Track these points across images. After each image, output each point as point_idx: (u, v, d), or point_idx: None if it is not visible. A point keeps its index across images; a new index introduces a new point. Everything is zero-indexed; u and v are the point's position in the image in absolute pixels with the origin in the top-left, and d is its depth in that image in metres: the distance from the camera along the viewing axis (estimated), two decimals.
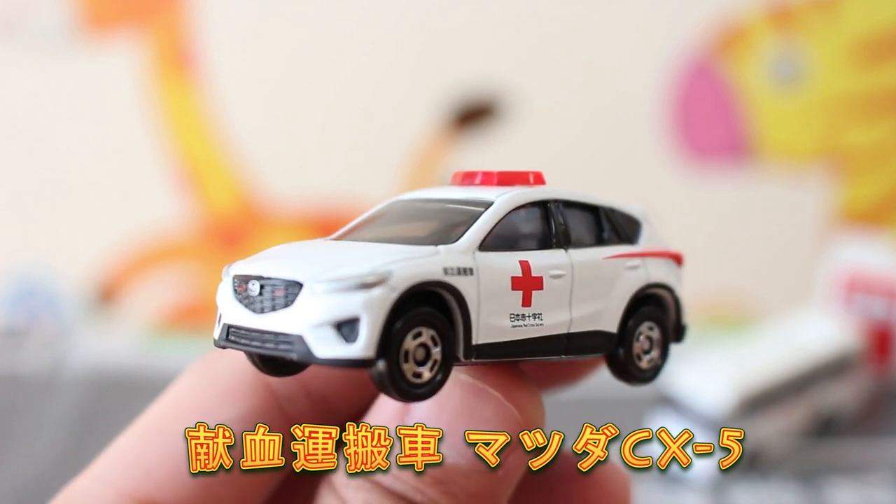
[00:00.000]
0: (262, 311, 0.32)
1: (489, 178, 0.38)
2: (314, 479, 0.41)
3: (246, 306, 0.32)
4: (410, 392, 0.31)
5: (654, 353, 0.40)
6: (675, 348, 0.41)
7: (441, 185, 0.40)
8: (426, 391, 0.32)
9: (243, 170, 1.20)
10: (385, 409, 0.35)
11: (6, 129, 1.20)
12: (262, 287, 0.32)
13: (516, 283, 0.34)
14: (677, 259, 0.42)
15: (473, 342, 0.33)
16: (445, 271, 0.32)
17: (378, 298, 0.30)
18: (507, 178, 0.38)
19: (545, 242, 0.37)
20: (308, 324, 0.31)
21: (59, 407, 1.00)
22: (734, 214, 1.22)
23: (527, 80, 1.17)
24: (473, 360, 0.33)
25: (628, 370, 0.39)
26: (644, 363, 0.39)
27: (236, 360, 0.37)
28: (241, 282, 0.33)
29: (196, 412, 0.36)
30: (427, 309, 0.32)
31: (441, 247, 0.33)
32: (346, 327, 0.30)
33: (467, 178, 0.39)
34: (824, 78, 1.17)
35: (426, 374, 0.32)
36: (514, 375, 0.35)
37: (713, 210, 1.21)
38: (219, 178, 1.21)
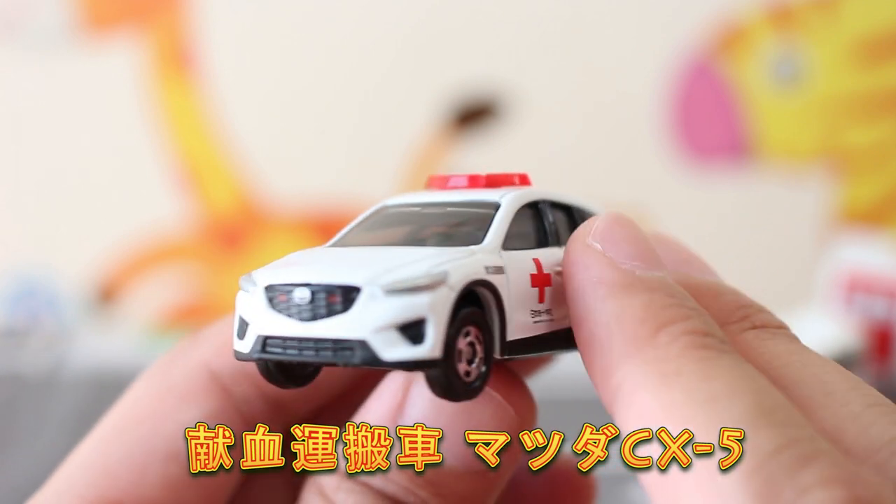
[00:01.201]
0: (311, 318, 0.31)
1: (476, 181, 0.38)
2: (281, 480, 0.41)
3: (289, 315, 0.31)
4: (465, 391, 0.31)
5: None
6: None
7: (419, 191, 0.39)
8: (476, 389, 0.32)
9: (243, 170, 1.20)
10: (377, 409, 0.34)
11: (6, 129, 1.20)
12: (312, 294, 0.31)
13: (534, 280, 0.34)
14: None
15: (507, 339, 0.33)
16: (486, 270, 0.32)
17: (442, 299, 0.30)
18: (495, 181, 0.38)
19: (541, 241, 0.37)
20: (371, 328, 0.30)
21: (60, 407, 1.00)
22: (734, 214, 1.22)
23: (527, 80, 1.17)
24: (506, 356, 0.33)
25: None
26: None
27: (191, 364, 0.37)
28: (281, 291, 0.32)
29: (155, 416, 0.36)
30: (474, 308, 0.32)
31: (474, 247, 0.34)
32: (412, 329, 0.30)
33: (454, 181, 0.38)
34: (824, 78, 1.17)
35: (474, 372, 0.32)
36: (510, 375, 0.35)
37: (713, 210, 1.21)
38: (219, 178, 1.21)
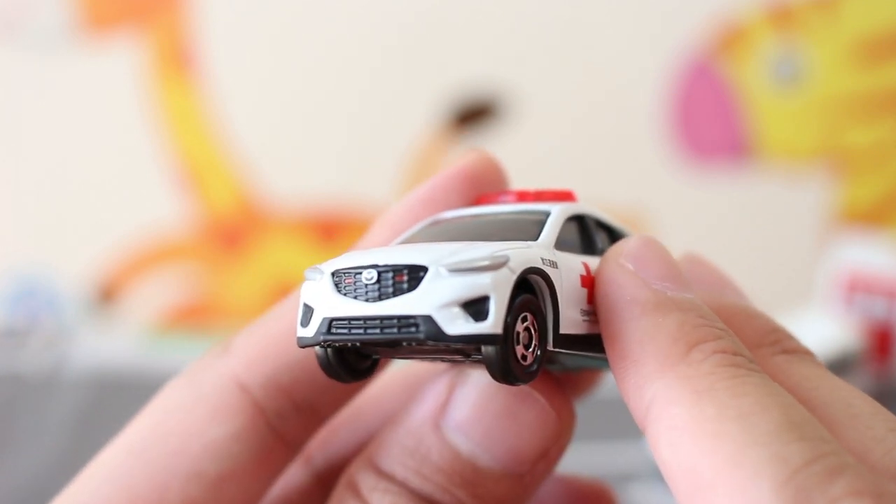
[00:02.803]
0: (378, 298, 0.32)
1: (525, 197, 0.39)
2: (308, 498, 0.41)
3: (355, 297, 0.32)
4: (522, 373, 0.32)
5: None
6: None
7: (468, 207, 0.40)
8: (533, 373, 0.32)
9: (243, 170, 1.20)
10: (419, 411, 0.34)
11: (6, 129, 1.20)
12: (379, 274, 0.32)
13: (583, 282, 0.35)
14: None
15: (560, 331, 0.34)
16: (543, 261, 0.33)
17: (503, 279, 0.31)
18: (543, 196, 0.39)
19: (587, 251, 0.38)
20: (436, 304, 0.31)
21: (60, 407, 1.00)
22: (734, 214, 1.22)
23: (527, 80, 1.17)
24: (557, 348, 0.34)
25: None
26: None
27: (222, 377, 0.36)
28: (348, 274, 0.33)
29: (181, 432, 0.35)
30: (530, 295, 0.33)
31: (530, 241, 0.35)
32: (475, 306, 0.31)
33: (503, 198, 0.39)
34: (824, 78, 1.17)
35: (530, 357, 0.32)
36: (554, 383, 0.35)
37: (713, 210, 1.21)
38: (219, 178, 1.21)
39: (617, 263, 0.33)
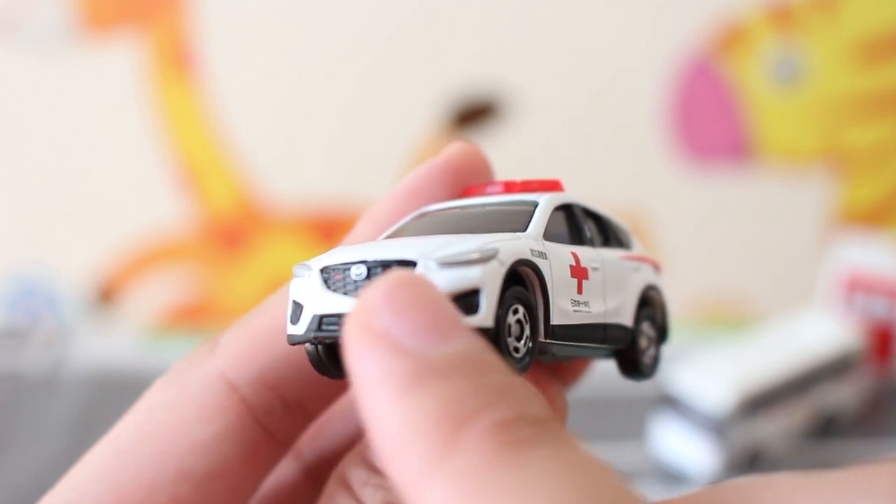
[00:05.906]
0: None
1: (512, 187, 0.39)
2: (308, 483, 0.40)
3: (345, 293, 0.32)
4: (514, 366, 0.32)
5: (653, 351, 0.41)
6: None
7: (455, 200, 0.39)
8: (525, 365, 0.32)
9: (244, 170, 1.20)
10: None
11: (6, 129, 1.20)
12: (368, 270, 0.32)
13: (573, 272, 0.36)
14: (658, 267, 0.44)
15: (551, 322, 0.34)
16: (532, 253, 0.34)
17: (493, 272, 0.31)
18: (530, 186, 0.39)
19: (575, 240, 0.38)
20: None
21: (60, 407, 1.00)
22: (734, 214, 1.22)
23: (527, 80, 1.17)
24: (549, 339, 0.34)
25: (638, 366, 0.40)
26: (647, 359, 0.41)
27: (209, 375, 0.36)
28: (337, 270, 0.33)
29: (168, 431, 0.35)
30: (520, 287, 0.33)
31: (519, 233, 0.35)
32: (465, 300, 0.31)
33: (490, 188, 0.39)
34: (824, 78, 1.17)
35: (521, 349, 0.32)
36: (545, 371, 0.35)
37: (713, 210, 1.21)
38: (219, 178, 1.21)
39: (362, 327, 0.26)
